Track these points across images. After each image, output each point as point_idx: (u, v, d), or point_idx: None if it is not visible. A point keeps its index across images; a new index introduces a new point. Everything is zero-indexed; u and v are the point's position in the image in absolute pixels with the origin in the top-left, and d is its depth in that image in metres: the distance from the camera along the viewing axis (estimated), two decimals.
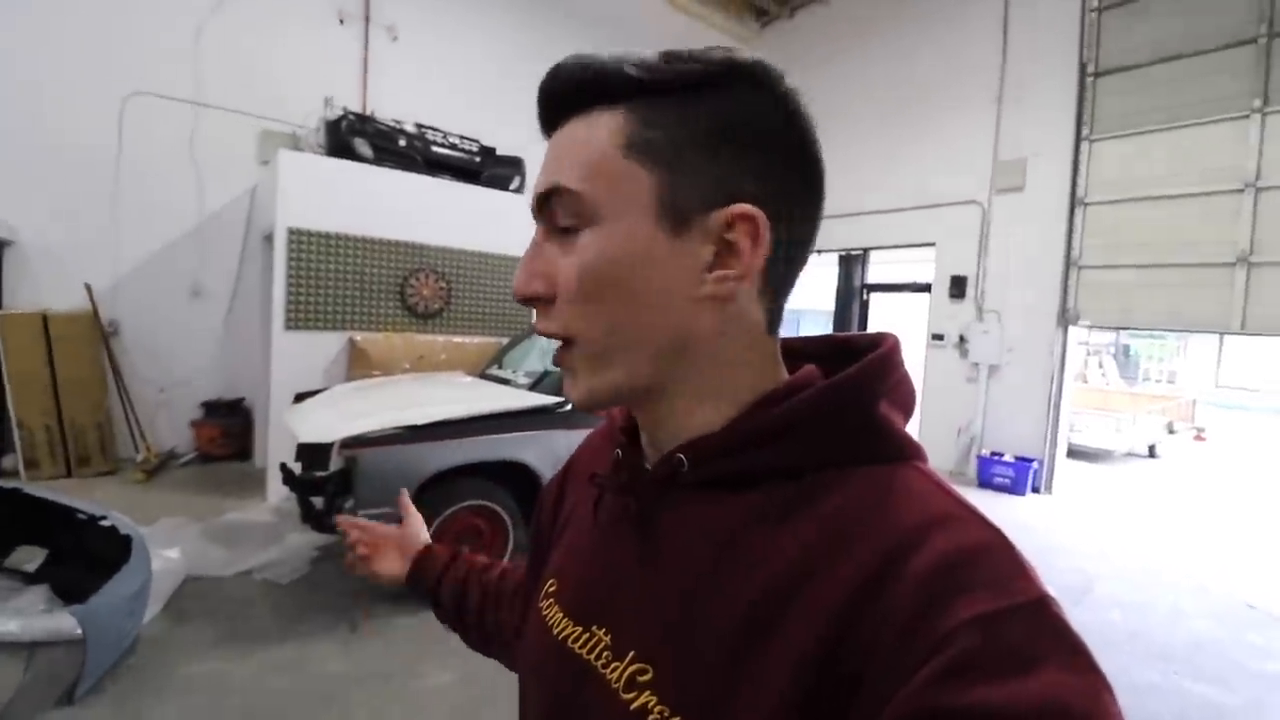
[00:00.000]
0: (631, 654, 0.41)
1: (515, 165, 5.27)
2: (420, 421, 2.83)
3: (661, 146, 0.38)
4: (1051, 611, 0.31)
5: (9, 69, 4.33)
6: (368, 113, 5.17)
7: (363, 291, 4.49)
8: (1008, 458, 5.62)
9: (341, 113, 4.59)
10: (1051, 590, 0.32)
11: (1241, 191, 4.52)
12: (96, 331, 4.65)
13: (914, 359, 7.06)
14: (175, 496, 4.10)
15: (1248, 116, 4.48)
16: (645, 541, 0.44)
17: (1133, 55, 5.07)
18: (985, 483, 5.65)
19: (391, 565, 0.77)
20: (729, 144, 0.39)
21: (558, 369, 3.42)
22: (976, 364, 5.97)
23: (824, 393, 0.40)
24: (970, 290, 6.10)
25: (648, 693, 0.39)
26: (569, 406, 3.26)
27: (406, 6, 5.87)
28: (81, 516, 2.66)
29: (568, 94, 0.41)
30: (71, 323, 4.51)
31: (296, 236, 4.19)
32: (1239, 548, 4.53)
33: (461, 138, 5.00)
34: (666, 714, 0.37)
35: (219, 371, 5.25)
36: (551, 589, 0.52)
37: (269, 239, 4.46)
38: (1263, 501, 6.10)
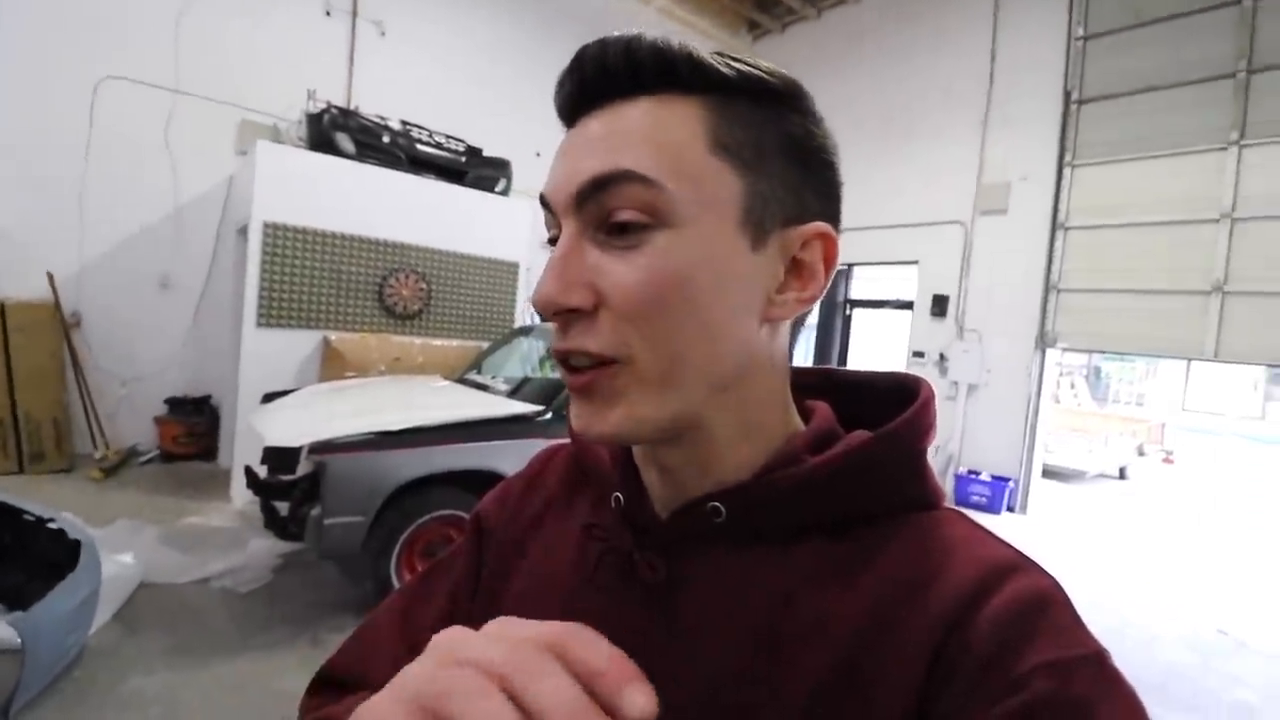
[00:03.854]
0: None
1: (501, 167, 5.20)
2: (394, 427, 2.74)
3: (747, 149, 0.35)
4: (1111, 664, 0.32)
5: None
6: (352, 107, 5.06)
7: (339, 290, 4.37)
8: (984, 476, 5.66)
9: (324, 106, 4.49)
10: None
11: (1217, 222, 4.60)
12: (57, 322, 4.46)
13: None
14: (134, 496, 3.94)
15: (1225, 149, 4.57)
16: (668, 604, 0.38)
17: (1116, 84, 5.16)
18: (962, 501, 5.67)
19: None
20: (800, 157, 0.37)
21: (537, 376, 3.30)
22: (956, 382, 6.01)
23: (883, 441, 0.38)
24: (951, 309, 6.14)
25: None
26: (549, 415, 3.19)
27: (395, 3, 5.78)
28: (29, 518, 2.52)
29: (619, 73, 0.36)
30: (30, 311, 4.32)
31: (272, 230, 4.06)
32: (1209, 572, 4.59)
33: (447, 137, 4.92)
34: None
35: (186, 367, 5.08)
36: None
37: (243, 232, 4.33)
38: (1231, 525, 6.22)
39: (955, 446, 5.99)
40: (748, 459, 0.39)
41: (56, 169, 4.48)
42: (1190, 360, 7.15)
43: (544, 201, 0.38)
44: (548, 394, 3.34)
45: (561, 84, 0.38)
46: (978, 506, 5.58)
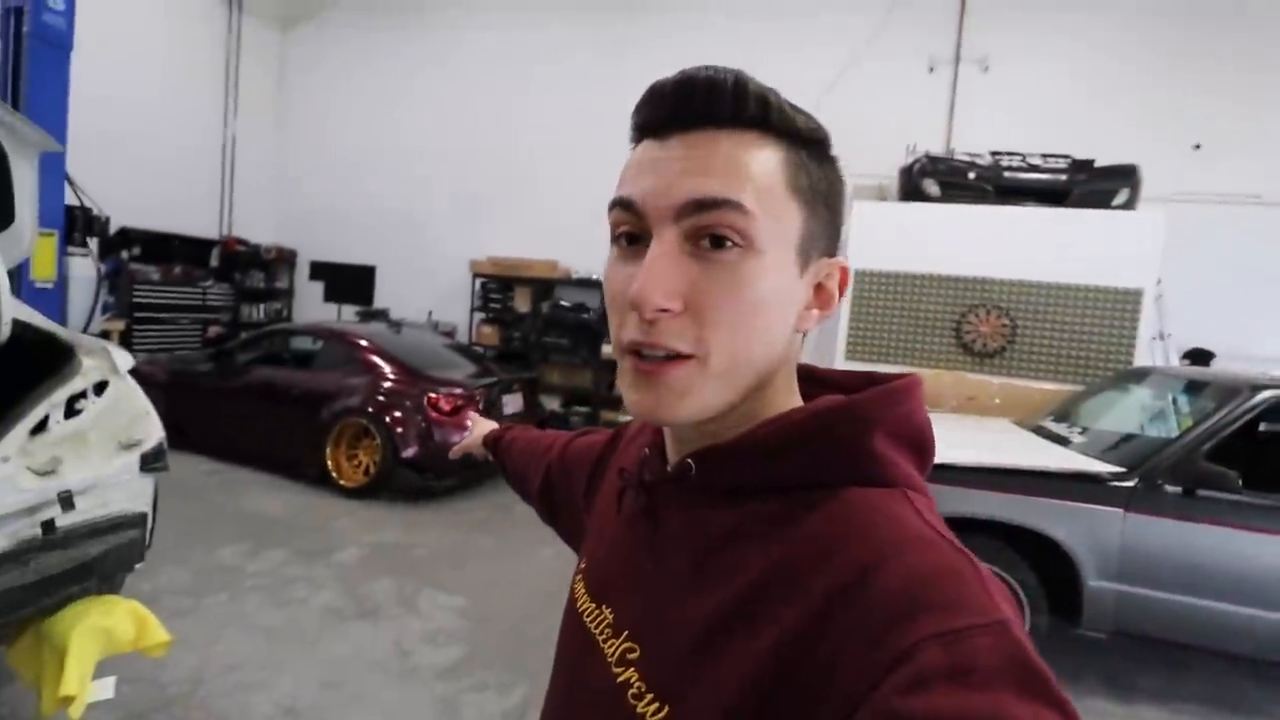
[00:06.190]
0: (626, 633, 0.46)
1: (1124, 176, 4.31)
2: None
3: (808, 192, 0.42)
4: (1012, 633, 0.30)
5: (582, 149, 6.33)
6: (950, 152, 5.18)
7: (918, 327, 4.55)
8: None
9: (916, 158, 4.79)
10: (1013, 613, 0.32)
11: None
12: None
13: None
14: None
15: None
16: (651, 534, 0.48)
17: None
18: None
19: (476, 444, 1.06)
20: (830, 202, 0.44)
21: (1138, 433, 2.70)
22: None
23: (817, 414, 0.42)
24: None
25: (632, 670, 0.43)
26: (1133, 481, 2.52)
27: (999, 37, 5.60)
28: None
29: (724, 106, 0.40)
30: None
31: (860, 277, 4.62)
32: None
33: (1044, 157, 4.44)
34: (643, 690, 0.41)
35: None
36: (582, 565, 0.58)
37: None
38: None
39: None
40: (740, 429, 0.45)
41: None
42: None
43: (627, 203, 0.42)
44: (1139, 455, 2.64)
45: (660, 100, 0.41)
46: None
